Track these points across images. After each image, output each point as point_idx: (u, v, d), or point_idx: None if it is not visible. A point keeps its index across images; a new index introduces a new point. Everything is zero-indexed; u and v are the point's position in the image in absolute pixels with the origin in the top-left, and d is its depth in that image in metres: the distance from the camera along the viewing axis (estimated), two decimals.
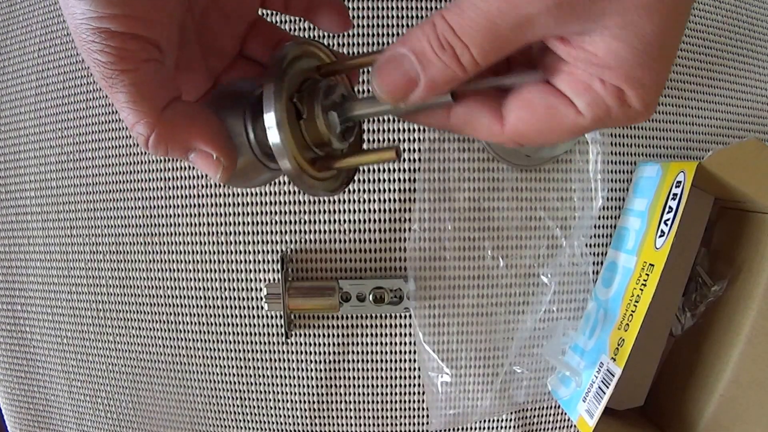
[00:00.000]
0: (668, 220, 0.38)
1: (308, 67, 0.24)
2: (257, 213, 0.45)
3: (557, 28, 0.18)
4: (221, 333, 0.46)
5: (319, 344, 0.46)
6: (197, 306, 0.46)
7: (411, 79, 0.19)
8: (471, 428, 0.47)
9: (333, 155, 0.25)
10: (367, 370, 0.46)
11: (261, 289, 0.45)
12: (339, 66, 0.25)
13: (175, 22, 0.22)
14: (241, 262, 0.45)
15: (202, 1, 0.24)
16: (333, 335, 0.46)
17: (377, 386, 0.47)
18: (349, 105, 0.24)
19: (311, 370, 0.46)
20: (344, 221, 0.45)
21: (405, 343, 0.46)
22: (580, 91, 0.19)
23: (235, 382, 0.47)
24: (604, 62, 0.18)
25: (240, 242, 0.45)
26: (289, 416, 0.47)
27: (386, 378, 0.46)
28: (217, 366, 0.46)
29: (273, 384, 0.47)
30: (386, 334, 0.46)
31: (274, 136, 0.21)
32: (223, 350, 0.46)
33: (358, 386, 0.47)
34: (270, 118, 0.21)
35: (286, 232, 0.45)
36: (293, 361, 0.46)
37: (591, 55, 0.18)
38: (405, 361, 0.46)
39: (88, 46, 0.20)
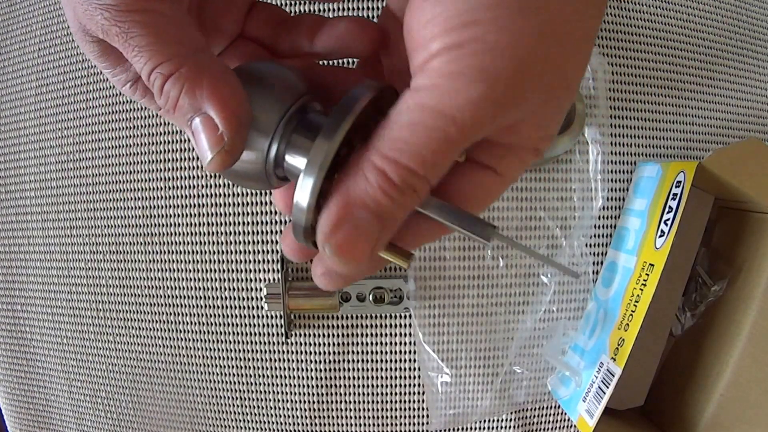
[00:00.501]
0: (668, 220, 0.38)
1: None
2: (257, 213, 0.45)
3: (501, 123, 0.17)
4: (221, 333, 0.46)
5: (319, 344, 0.46)
6: (197, 306, 0.46)
7: (375, 238, 0.17)
8: (471, 428, 0.47)
9: None
10: (367, 370, 0.46)
11: (261, 289, 0.45)
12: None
13: None
14: (241, 262, 0.45)
15: None
16: (333, 335, 0.46)
17: (377, 386, 0.47)
18: None
19: (311, 370, 0.46)
20: None
21: (405, 343, 0.46)
22: (510, 166, 0.20)
23: (235, 382, 0.47)
24: (530, 138, 0.19)
25: (240, 242, 0.45)
26: (289, 416, 0.47)
27: (386, 378, 0.46)
28: (217, 366, 0.46)
29: (273, 384, 0.47)
30: (386, 334, 0.46)
31: (302, 198, 0.18)
32: (223, 350, 0.46)
33: (358, 386, 0.47)
34: (307, 185, 0.18)
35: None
36: (293, 361, 0.46)
37: (523, 138, 0.18)
38: (405, 361, 0.46)
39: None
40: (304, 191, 0.18)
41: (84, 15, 0.18)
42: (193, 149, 0.45)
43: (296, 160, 0.20)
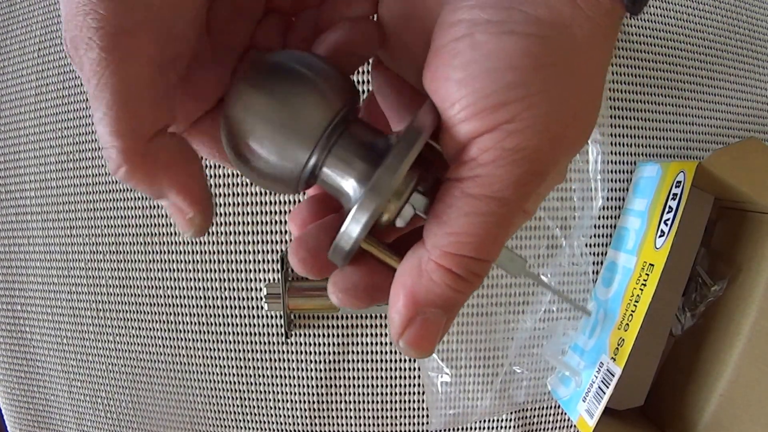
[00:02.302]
0: (668, 220, 0.38)
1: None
2: (257, 213, 0.45)
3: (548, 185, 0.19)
4: (221, 333, 0.46)
5: (319, 344, 0.46)
6: (197, 306, 0.46)
7: (443, 328, 0.18)
8: (471, 428, 0.47)
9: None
10: (367, 370, 0.46)
11: (261, 289, 0.45)
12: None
13: (198, 14, 0.18)
14: (241, 262, 0.45)
15: None
16: (333, 335, 0.46)
17: (377, 386, 0.47)
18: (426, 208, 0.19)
19: (311, 370, 0.46)
20: None
21: None
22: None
23: (235, 382, 0.47)
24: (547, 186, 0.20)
25: (240, 242, 0.45)
26: (289, 416, 0.47)
27: (386, 378, 0.46)
28: (217, 366, 0.46)
29: (273, 384, 0.47)
30: (386, 334, 0.46)
31: (353, 231, 0.17)
32: (223, 350, 0.46)
33: (358, 386, 0.47)
34: (361, 219, 0.16)
35: (286, 232, 0.45)
36: (293, 361, 0.46)
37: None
38: (405, 361, 0.46)
39: (81, 21, 0.15)
40: (357, 224, 0.17)
41: (79, 37, 0.16)
42: None
43: (340, 178, 0.19)
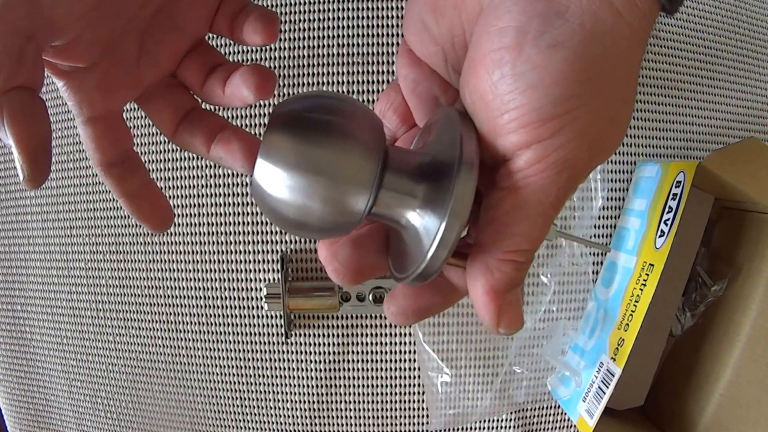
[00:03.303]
0: (668, 220, 0.38)
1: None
2: (257, 213, 0.45)
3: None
4: (221, 333, 0.46)
5: (319, 344, 0.46)
6: (197, 306, 0.46)
7: (520, 296, 0.21)
8: (471, 428, 0.47)
9: None
10: (367, 370, 0.46)
11: (261, 289, 0.45)
12: None
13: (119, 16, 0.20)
14: (241, 262, 0.45)
15: (157, 2, 0.22)
16: (333, 335, 0.46)
17: (377, 386, 0.47)
18: None
19: (311, 370, 0.46)
20: None
21: (405, 343, 0.46)
22: None
23: (235, 382, 0.47)
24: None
25: (240, 242, 0.45)
26: (289, 416, 0.47)
27: (386, 378, 0.46)
28: (217, 366, 0.46)
29: (273, 384, 0.47)
30: (386, 334, 0.46)
31: (443, 251, 0.18)
32: (223, 350, 0.46)
33: (358, 386, 0.47)
34: (450, 237, 0.18)
35: (286, 232, 0.45)
36: (293, 361, 0.46)
37: None
38: (405, 361, 0.46)
39: None
40: (445, 248, 0.18)
41: None
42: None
43: (396, 209, 0.20)
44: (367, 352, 0.46)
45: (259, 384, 0.47)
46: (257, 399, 0.47)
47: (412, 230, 0.20)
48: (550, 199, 0.18)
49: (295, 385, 0.47)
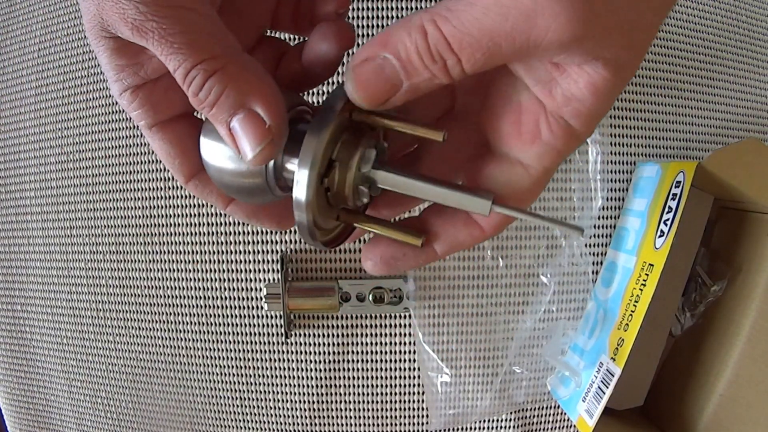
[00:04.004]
0: (668, 220, 0.38)
1: (356, 117, 0.21)
2: None
3: (560, 57, 0.17)
4: (221, 333, 0.46)
5: (319, 344, 0.46)
6: (197, 306, 0.46)
7: (393, 86, 0.18)
8: (471, 428, 0.47)
9: (347, 210, 0.23)
10: (367, 370, 0.46)
11: (261, 289, 0.45)
12: (380, 123, 0.21)
13: None
14: (241, 262, 0.45)
15: None
16: (333, 335, 0.46)
17: (377, 386, 0.47)
18: (382, 177, 0.21)
19: (311, 370, 0.46)
20: None
21: (405, 343, 0.46)
22: (527, 147, 0.19)
23: (235, 382, 0.47)
24: (577, 98, 0.18)
25: (240, 242, 0.45)
26: (289, 416, 0.47)
27: (386, 378, 0.46)
28: (217, 366, 0.46)
29: (273, 384, 0.47)
30: (386, 334, 0.46)
31: (299, 194, 0.19)
32: (223, 350, 0.46)
33: (358, 386, 0.47)
34: (302, 179, 0.19)
35: (285, 232, 0.45)
36: (293, 361, 0.46)
37: (568, 92, 0.18)
38: (405, 361, 0.46)
39: None
40: (300, 187, 0.19)
41: (113, 8, 0.18)
42: None
43: (293, 166, 0.21)
44: (367, 352, 0.46)
45: (259, 384, 0.47)
46: (257, 399, 0.47)
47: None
48: (517, 14, 0.15)
49: (295, 385, 0.47)
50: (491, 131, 0.20)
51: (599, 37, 0.16)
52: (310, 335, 0.46)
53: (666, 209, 0.39)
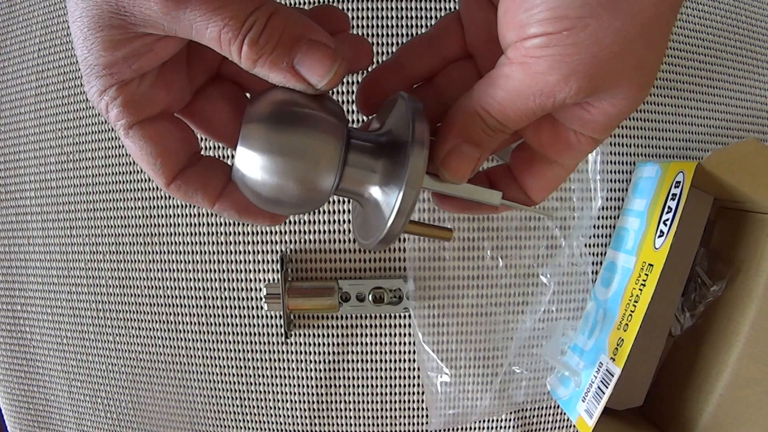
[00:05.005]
0: (667, 220, 0.38)
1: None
2: None
3: (577, 100, 0.20)
4: (221, 333, 0.46)
5: (319, 344, 0.46)
6: (197, 306, 0.46)
7: (476, 162, 0.23)
8: (470, 428, 0.47)
9: None
10: (367, 370, 0.46)
11: (261, 289, 0.45)
12: None
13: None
14: (241, 262, 0.45)
15: None
16: (332, 335, 0.46)
17: (377, 386, 0.47)
18: (428, 184, 0.24)
19: (311, 370, 0.46)
20: (344, 221, 0.45)
21: (404, 343, 0.46)
22: (563, 153, 0.23)
23: (235, 382, 0.47)
24: (595, 122, 0.22)
25: (240, 242, 0.45)
26: (289, 416, 0.47)
27: (386, 378, 0.46)
28: (217, 366, 0.46)
29: (273, 384, 0.47)
30: (386, 334, 0.46)
31: (405, 206, 0.20)
32: (223, 350, 0.46)
33: (358, 386, 0.47)
34: (408, 197, 0.20)
35: (285, 232, 0.45)
36: (293, 361, 0.46)
37: (588, 119, 0.22)
38: (404, 361, 0.46)
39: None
40: (402, 215, 0.21)
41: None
42: None
43: (360, 185, 0.23)
44: (366, 352, 0.46)
45: (259, 384, 0.47)
46: (257, 399, 0.47)
47: (374, 201, 0.23)
48: (537, 87, 0.19)
49: (294, 385, 0.47)
50: (536, 143, 0.24)
51: (609, 85, 0.20)
52: (309, 335, 0.46)
53: (666, 209, 0.39)
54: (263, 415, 0.47)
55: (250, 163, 0.21)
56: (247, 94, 0.25)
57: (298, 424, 0.47)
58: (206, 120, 0.24)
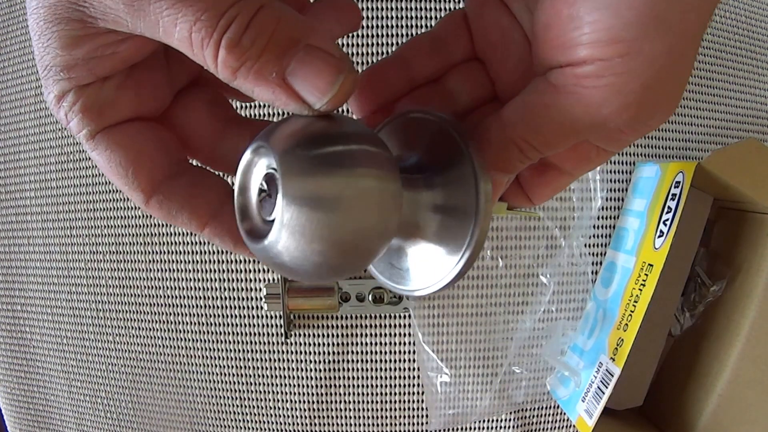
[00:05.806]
0: (667, 220, 0.38)
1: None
2: None
3: (624, 128, 0.20)
4: (221, 333, 0.46)
5: (319, 344, 0.46)
6: (197, 306, 0.46)
7: (505, 187, 0.22)
8: (470, 428, 0.47)
9: None
10: (367, 370, 0.46)
11: (261, 289, 0.45)
12: None
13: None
14: (241, 262, 0.45)
15: None
16: (332, 335, 0.46)
17: (377, 386, 0.47)
18: None
19: (311, 370, 0.46)
20: None
21: (404, 343, 0.46)
22: (579, 166, 0.23)
23: (235, 382, 0.47)
24: (626, 141, 0.21)
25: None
26: (289, 416, 0.47)
27: (386, 378, 0.46)
28: (217, 366, 0.46)
29: (273, 384, 0.47)
30: (386, 334, 0.46)
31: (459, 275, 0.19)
32: (223, 350, 0.46)
33: (358, 386, 0.47)
34: (469, 264, 0.20)
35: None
36: (293, 361, 0.46)
37: (620, 140, 0.21)
38: (404, 361, 0.46)
39: None
40: (467, 267, 0.20)
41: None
42: None
43: (416, 217, 0.21)
44: (366, 352, 0.46)
45: (259, 384, 0.47)
46: (257, 399, 0.47)
47: (433, 238, 0.21)
48: (589, 119, 0.18)
49: (294, 385, 0.47)
50: (554, 156, 0.24)
51: (655, 111, 0.19)
52: (309, 335, 0.46)
53: (665, 209, 0.39)
54: (263, 415, 0.47)
55: (304, 230, 0.15)
56: (232, 102, 0.23)
57: (298, 424, 0.47)
58: (179, 128, 0.21)
